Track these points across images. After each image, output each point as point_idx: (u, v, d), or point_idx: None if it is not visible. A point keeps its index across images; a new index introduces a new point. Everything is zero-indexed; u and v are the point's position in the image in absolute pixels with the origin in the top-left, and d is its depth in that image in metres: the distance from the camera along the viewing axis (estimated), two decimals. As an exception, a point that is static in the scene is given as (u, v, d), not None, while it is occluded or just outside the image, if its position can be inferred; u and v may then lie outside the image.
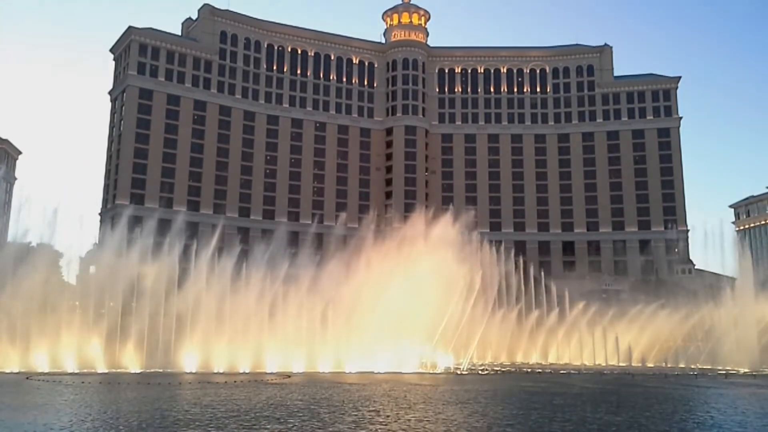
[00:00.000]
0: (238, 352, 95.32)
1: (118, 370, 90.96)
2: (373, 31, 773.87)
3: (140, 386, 66.35)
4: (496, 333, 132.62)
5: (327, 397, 57.23)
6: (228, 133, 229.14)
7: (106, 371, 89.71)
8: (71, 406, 49.59)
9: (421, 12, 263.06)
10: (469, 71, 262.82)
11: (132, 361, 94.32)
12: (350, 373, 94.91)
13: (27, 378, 75.33)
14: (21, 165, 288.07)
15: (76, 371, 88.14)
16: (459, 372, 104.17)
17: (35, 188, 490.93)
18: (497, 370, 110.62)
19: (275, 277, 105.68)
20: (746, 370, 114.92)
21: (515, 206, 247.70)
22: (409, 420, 42.65)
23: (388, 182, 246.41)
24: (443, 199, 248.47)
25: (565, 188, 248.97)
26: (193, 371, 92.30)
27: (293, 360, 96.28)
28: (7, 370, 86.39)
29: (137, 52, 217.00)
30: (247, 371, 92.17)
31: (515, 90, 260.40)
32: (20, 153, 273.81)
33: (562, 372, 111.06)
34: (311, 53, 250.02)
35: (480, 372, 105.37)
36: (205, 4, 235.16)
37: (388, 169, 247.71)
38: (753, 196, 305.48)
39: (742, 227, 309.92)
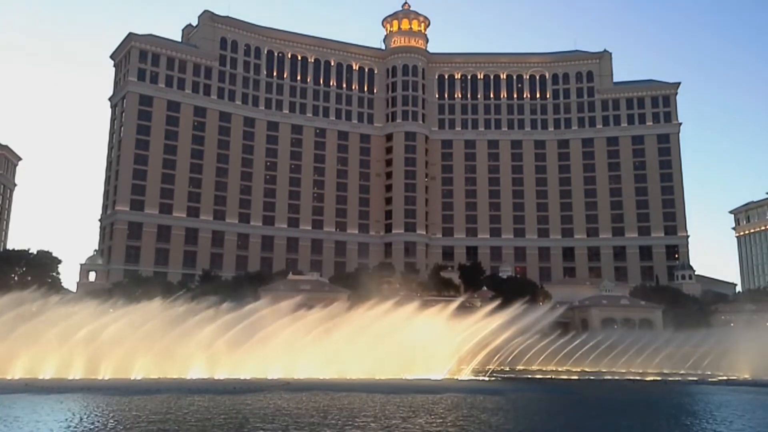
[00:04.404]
0: None
1: None
2: (373, 38, 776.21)
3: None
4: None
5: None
6: (228, 140, 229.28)
7: None
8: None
9: (421, 18, 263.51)
10: (469, 77, 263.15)
11: None
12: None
13: None
14: (21, 171, 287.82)
15: None
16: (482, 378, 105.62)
17: (35, 194, 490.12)
18: (502, 377, 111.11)
19: None
20: (746, 377, 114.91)
21: (515, 212, 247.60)
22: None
23: (388, 188, 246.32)
24: (443, 205, 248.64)
25: (564, 194, 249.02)
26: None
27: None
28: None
29: (137, 59, 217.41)
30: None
31: (515, 96, 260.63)
32: (20, 159, 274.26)
33: (563, 378, 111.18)
34: (311, 59, 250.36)
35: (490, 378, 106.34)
36: (205, 11, 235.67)
37: (388, 175, 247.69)
38: (753, 202, 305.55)
39: (742, 233, 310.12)
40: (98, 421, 46.87)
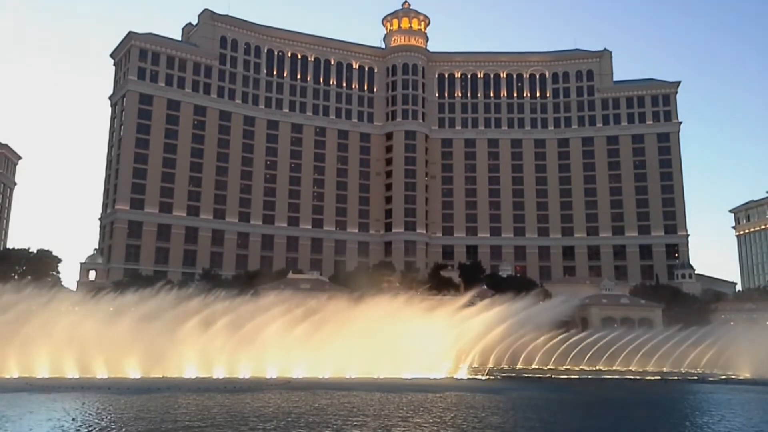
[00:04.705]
0: None
1: None
2: (373, 36, 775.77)
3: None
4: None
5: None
6: (228, 138, 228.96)
7: None
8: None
9: (421, 17, 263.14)
10: (469, 76, 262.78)
11: None
12: None
13: None
14: (21, 170, 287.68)
15: None
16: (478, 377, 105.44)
17: (35, 193, 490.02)
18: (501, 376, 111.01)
19: None
20: (747, 376, 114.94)
21: (515, 211, 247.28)
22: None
23: (388, 187, 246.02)
24: (443, 204, 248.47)
25: (564, 193, 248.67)
26: None
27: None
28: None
29: (137, 57, 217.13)
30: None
31: (515, 95, 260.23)
32: (20, 158, 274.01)
33: (562, 377, 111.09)
34: (311, 58, 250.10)
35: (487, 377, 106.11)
36: (205, 10, 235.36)
37: (388, 174, 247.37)
38: (753, 201, 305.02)
39: (742, 232, 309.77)
40: (99, 421, 46.85)
